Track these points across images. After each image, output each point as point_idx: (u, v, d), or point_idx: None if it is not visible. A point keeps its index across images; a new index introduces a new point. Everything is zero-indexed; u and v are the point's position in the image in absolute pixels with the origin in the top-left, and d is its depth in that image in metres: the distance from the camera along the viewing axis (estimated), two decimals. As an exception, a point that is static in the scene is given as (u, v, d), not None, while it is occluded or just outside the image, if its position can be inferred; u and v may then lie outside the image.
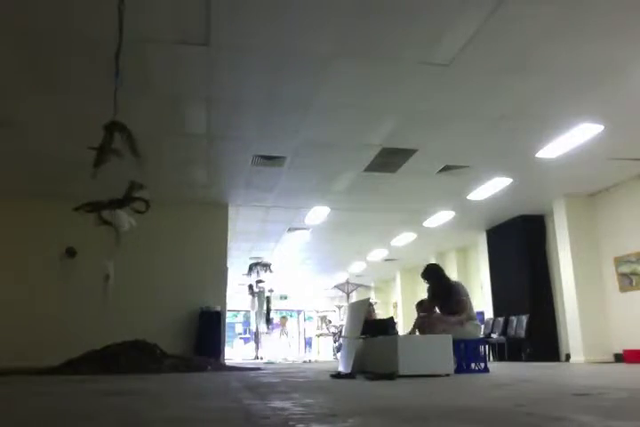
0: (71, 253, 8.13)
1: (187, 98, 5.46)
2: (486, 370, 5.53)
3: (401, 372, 4.56)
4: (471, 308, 5.70)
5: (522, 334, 9.45)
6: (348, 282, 13.26)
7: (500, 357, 9.75)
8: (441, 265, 15.04)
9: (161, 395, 3.19)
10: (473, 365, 5.61)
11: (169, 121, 5.98)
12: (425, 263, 6.69)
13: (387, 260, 14.43)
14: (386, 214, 9.96)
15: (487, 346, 9.37)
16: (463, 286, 5.77)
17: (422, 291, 16.33)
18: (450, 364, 4.94)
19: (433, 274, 5.71)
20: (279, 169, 7.47)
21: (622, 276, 8.17)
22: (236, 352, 15.90)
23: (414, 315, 6.18)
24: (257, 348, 12.77)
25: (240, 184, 8.14)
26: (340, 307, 13.87)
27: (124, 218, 3.84)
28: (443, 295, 5.61)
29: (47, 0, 3.91)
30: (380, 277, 17.86)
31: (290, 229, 11.03)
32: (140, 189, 3.85)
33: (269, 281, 12.95)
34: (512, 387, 3.60)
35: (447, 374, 4.77)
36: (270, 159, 7.12)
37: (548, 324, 9.45)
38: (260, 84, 5.16)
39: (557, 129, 6.23)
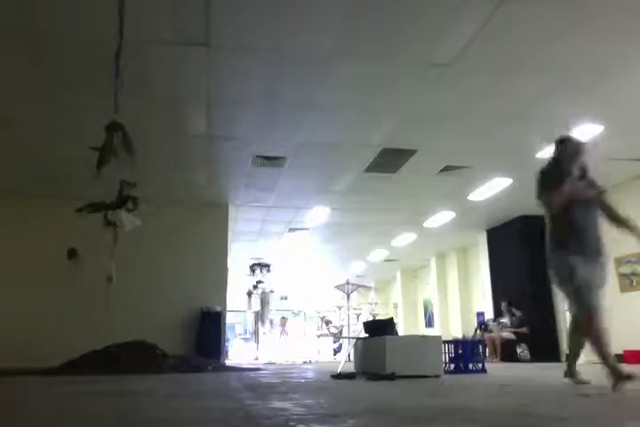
0: (73, 253, 8.13)
1: (187, 98, 5.46)
2: (484, 370, 5.54)
3: (388, 372, 4.56)
4: None
5: (522, 334, 9.44)
6: (348, 282, 13.23)
7: (500, 357, 9.73)
8: (441, 265, 15.05)
9: (161, 395, 3.18)
10: (471, 365, 5.62)
11: (169, 121, 5.97)
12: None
13: (387, 260, 14.42)
14: (386, 215, 9.95)
15: (485, 346, 9.41)
16: None
17: (422, 290, 16.29)
18: (439, 365, 4.93)
19: None
20: (279, 169, 7.47)
21: (623, 276, 8.16)
22: (236, 353, 15.88)
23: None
24: (257, 348, 12.75)
25: (240, 184, 8.14)
26: (340, 307, 13.83)
27: (127, 218, 3.84)
28: None
29: (47, 0, 3.91)
30: (380, 278, 17.86)
31: (290, 230, 11.02)
32: (132, 188, 3.85)
33: (270, 282, 12.93)
34: (512, 387, 3.59)
35: (437, 376, 4.76)
36: (270, 159, 7.12)
37: (549, 324, 9.44)
38: (260, 84, 5.16)
39: (557, 129, 6.22)
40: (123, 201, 3.82)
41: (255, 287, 12.61)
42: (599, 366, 3.24)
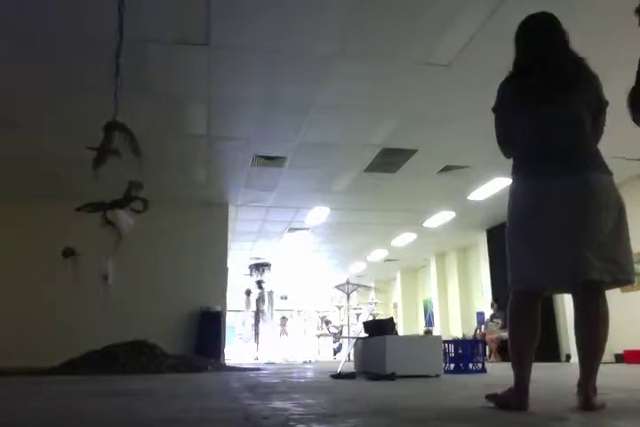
0: (71, 253, 8.12)
1: (187, 98, 5.46)
2: (484, 370, 5.54)
3: (388, 372, 4.56)
4: None
5: (522, 334, 9.43)
6: (348, 282, 13.24)
7: (501, 357, 9.74)
8: (441, 265, 15.02)
9: (161, 395, 3.18)
10: (471, 365, 5.62)
11: (169, 121, 5.98)
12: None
13: (387, 260, 14.43)
14: (386, 215, 9.96)
15: (485, 346, 9.42)
16: None
17: (422, 291, 16.28)
18: (439, 365, 4.93)
19: None
20: (279, 169, 7.47)
21: (622, 276, 8.16)
22: (235, 353, 15.89)
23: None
24: (257, 348, 12.76)
25: (240, 184, 8.14)
26: (340, 307, 13.84)
27: (125, 218, 3.85)
28: None
29: (47, 0, 3.91)
30: (380, 278, 17.86)
31: (290, 230, 11.03)
32: (140, 189, 3.85)
33: (269, 281, 12.94)
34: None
35: (437, 375, 4.76)
36: (270, 159, 7.12)
37: (549, 324, 9.44)
38: (260, 84, 5.16)
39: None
40: (127, 201, 3.82)
41: (256, 287, 12.62)
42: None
